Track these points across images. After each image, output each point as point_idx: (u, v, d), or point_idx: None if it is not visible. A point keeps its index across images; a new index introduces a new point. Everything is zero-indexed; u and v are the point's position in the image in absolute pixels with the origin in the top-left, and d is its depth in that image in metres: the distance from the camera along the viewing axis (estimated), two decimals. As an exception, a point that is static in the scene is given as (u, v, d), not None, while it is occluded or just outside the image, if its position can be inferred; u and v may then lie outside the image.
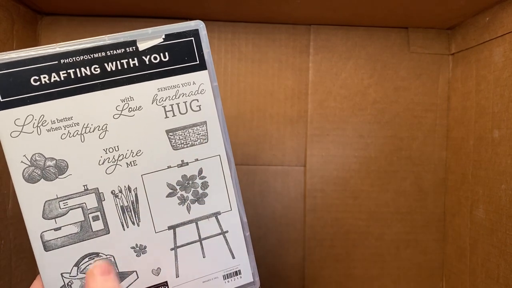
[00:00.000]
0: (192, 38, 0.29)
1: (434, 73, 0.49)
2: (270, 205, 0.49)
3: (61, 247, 0.28)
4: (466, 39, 0.46)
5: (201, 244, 0.30)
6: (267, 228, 0.49)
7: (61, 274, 0.28)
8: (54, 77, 0.27)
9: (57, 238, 0.28)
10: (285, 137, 0.49)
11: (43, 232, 0.27)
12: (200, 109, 0.29)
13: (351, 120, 0.49)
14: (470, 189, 0.44)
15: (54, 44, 0.27)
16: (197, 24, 0.29)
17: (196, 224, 0.30)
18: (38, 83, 0.26)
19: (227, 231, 0.31)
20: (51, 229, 0.27)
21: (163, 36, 0.28)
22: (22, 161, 0.27)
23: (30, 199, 0.27)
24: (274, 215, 0.49)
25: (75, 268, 0.28)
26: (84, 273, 0.28)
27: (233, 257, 0.31)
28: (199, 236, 0.30)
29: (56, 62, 0.27)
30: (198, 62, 0.29)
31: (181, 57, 0.29)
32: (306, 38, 0.49)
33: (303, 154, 0.49)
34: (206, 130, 0.30)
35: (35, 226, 0.27)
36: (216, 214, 0.30)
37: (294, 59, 0.49)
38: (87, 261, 0.28)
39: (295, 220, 0.49)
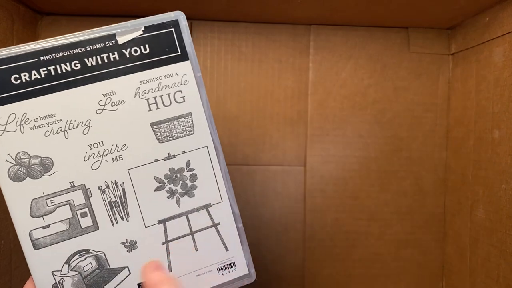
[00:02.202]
0: (172, 29, 0.28)
1: (434, 73, 0.49)
2: (270, 205, 0.49)
3: (51, 245, 0.27)
4: (466, 39, 0.46)
5: (193, 237, 0.30)
6: (267, 228, 0.49)
7: (52, 272, 0.28)
8: (35, 74, 0.27)
9: (46, 236, 0.27)
10: (285, 137, 0.49)
11: (31, 230, 0.27)
12: (184, 101, 0.29)
13: (351, 120, 0.49)
14: (470, 189, 0.44)
15: (33, 42, 0.27)
16: (177, 15, 0.29)
17: (187, 217, 0.30)
18: (19, 81, 0.26)
19: (219, 223, 0.30)
20: (39, 227, 0.27)
21: (143, 28, 0.28)
22: (6, 160, 0.27)
23: (17, 198, 0.27)
24: (274, 215, 0.49)
25: (66, 265, 0.28)
26: (75, 271, 0.28)
27: (227, 249, 0.31)
28: (191, 229, 0.30)
29: (36, 59, 0.27)
30: (179, 53, 0.29)
31: (162, 48, 0.28)
32: (306, 38, 0.49)
33: (303, 154, 0.49)
34: (192, 121, 0.29)
35: (23, 224, 0.27)
36: (206, 206, 0.30)
37: (294, 59, 0.49)
38: (78, 258, 0.28)
39: (295, 220, 0.49)
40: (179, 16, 0.29)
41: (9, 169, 0.27)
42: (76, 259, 0.28)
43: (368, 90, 0.49)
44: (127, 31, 0.28)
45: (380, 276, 0.50)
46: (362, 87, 0.49)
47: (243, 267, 0.31)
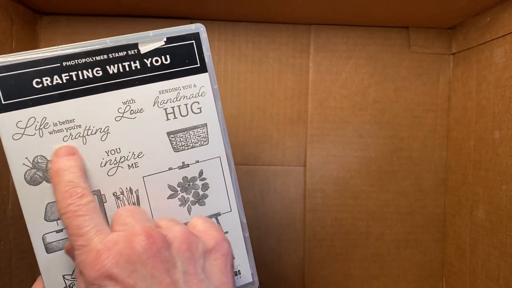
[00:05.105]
0: (193, 41, 0.29)
1: (435, 73, 0.49)
2: (270, 205, 0.49)
3: (63, 249, 0.27)
4: (467, 39, 0.46)
5: None
6: (267, 228, 0.49)
7: (63, 276, 0.28)
8: (56, 79, 0.27)
9: (59, 240, 0.27)
10: (285, 137, 0.49)
11: (45, 234, 0.27)
12: (200, 111, 0.29)
13: (351, 120, 0.49)
14: (470, 189, 0.44)
15: (56, 47, 0.27)
16: (198, 27, 0.29)
17: None
18: (40, 85, 0.26)
19: (226, 232, 0.31)
20: (53, 231, 0.27)
21: (165, 39, 0.28)
22: (24, 164, 0.27)
23: (32, 201, 0.27)
24: (274, 215, 0.49)
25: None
26: None
27: (233, 258, 0.31)
28: None
29: (59, 64, 0.27)
30: (199, 65, 0.29)
31: (182, 60, 0.29)
32: (307, 38, 0.49)
33: (303, 154, 0.49)
34: (207, 132, 0.30)
35: (37, 228, 0.27)
36: (216, 215, 0.31)
37: (294, 59, 0.49)
38: None
39: (295, 220, 0.49)
40: (200, 28, 0.29)
41: (25, 173, 0.27)
42: None
43: (368, 90, 0.49)
44: (150, 41, 0.28)
45: (380, 276, 0.50)
46: (362, 87, 0.49)
47: (247, 275, 0.32)
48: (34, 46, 0.45)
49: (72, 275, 0.28)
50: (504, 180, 0.38)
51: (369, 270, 0.50)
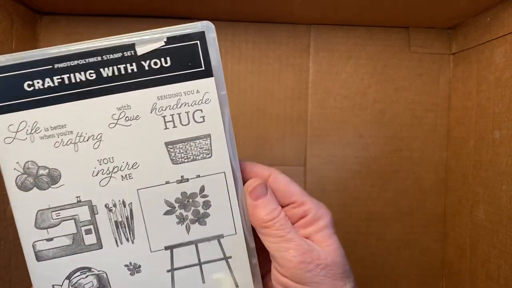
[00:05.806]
0: (198, 42, 0.26)
1: (435, 73, 0.49)
2: (270, 205, 0.49)
3: (53, 258, 0.27)
4: (467, 39, 0.46)
5: (201, 268, 0.28)
6: (267, 228, 0.49)
7: (53, 285, 0.27)
8: (48, 82, 0.25)
9: (49, 249, 0.27)
10: (285, 137, 0.49)
11: (35, 241, 0.26)
12: (203, 121, 0.27)
13: (351, 120, 0.49)
14: (470, 189, 0.44)
15: (48, 48, 0.26)
16: (204, 26, 0.26)
17: (196, 246, 0.28)
18: (32, 88, 0.25)
19: (230, 257, 0.28)
20: (43, 239, 0.27)
21: (165, 39, 0.26)
22: (15, 168, 0.26)
23: (23, 207, 0.26)
24: (274, 215, 0.49)
25: (67, 281, 0.27)
26: (75, 287, 0.27)
27: (236, 285, 0.29)
28: (199, 259, 0.28)
29: (50, 66, 0.25)
30: (203, 69, 0.27)
31: (184, 62, 0.26)
32: (307, 38, 0.49)
33: (303, 154, 0.49)
34: (210, 144, 0.27)
35: (28, 235, 0.26)
36: (218, 237, 0.28)
37: (294, 59, 0.49)
38: (79, 275, 0.27)
39: (295, 220, 0.49)
40: (206, 27, 0.26)
41: (17, 178, 0.26)
42: (77, 276, 0.27)
43: (369, 90, 0.49)
44: (148, 41, 0.26)
45: (380, 276, 0.50)
46: (363, 87, 0.49)
47: None
48: (34, 46, 0.45)
49: (61, 286, 0.27)
50: (504, 180, 0.38)
51: (369, 270, 0.50)
